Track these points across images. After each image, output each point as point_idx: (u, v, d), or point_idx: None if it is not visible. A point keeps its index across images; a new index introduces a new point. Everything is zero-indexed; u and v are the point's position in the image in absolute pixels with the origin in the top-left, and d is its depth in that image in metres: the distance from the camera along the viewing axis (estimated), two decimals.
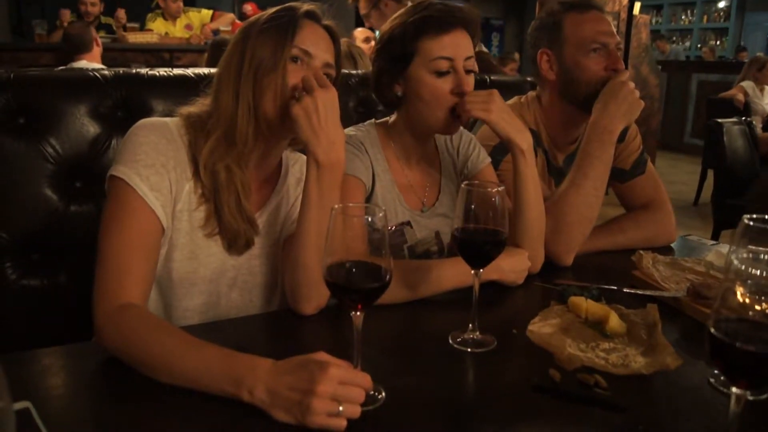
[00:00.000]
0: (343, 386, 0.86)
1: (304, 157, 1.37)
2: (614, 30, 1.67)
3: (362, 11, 3.60)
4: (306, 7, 1.25)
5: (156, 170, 1.15)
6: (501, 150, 1.66)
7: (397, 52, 1.44)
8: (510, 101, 1.81)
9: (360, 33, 4.46)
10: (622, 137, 1.86)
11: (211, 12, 6.21)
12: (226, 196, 1.20)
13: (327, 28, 1.27)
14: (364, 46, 4.06)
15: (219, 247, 1.25)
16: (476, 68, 1.45)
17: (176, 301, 1.24)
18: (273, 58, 1.18)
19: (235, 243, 1.24)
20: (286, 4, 1.26)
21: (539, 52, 1.73)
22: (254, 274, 1.31)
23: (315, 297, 1.24)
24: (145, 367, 0.98)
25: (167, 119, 1.24)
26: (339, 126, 1.19)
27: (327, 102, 1.16)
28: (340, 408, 0.85)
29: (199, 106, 1.26)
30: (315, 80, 1.16)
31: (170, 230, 1.19)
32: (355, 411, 0.87)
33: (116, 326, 1.03)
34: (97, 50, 4.29)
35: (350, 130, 1.53)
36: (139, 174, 1.13)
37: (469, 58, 1.43)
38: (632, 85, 1.60)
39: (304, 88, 1.16)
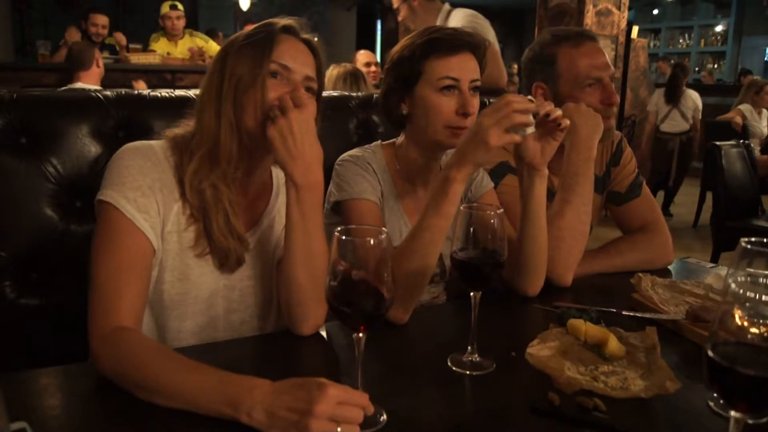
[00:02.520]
0: (341, 406, 0.86)
1: None
2: (608, 61, 1.67)
3: (394, 5, 3.67)
4: (284, 22, 1.25)
5: (143, 192, 1.15)
6: (497, 173, 1.68)
7: (405, 71, 1.47)
8: None
9: (362, 56, 4.49)
10: (617, 160, 1.87)
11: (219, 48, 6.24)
12: (214, 214, 1.19)
13: (306, 42, 1.26)
14: (364, 69, 4.11)
15: (210, 267, 1.24)
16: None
17: (169, 323, 1.23)
18: (252, 74, 1.18)
19: (227, 261, 1.23)
20: (264, 21, 1.26)
21: (534, 86, 1.73)
22: (248, 294, 1.30)
23: (311, 317, 1.24)
24: (141, 390, 0.97)
25: (153, 142, 1.24)
26: (315, 146, 1.18)
27: (302, 123, 1.14)
28: (338, 429, 0.85)
29: (185, 127, 1.26)
30: (291, 100, 1.15)
31: (161, 252, 1.18)
32: (354, 431, 0.87)
33: (111, 350, 1.02)
34: (96, 71, 4.31)
35: (356, 151, 1.55)
36: (125, 197, 1.13)
37: (474, 80, 1.45)
38: (582, 105, 1.60)
39: (279, 108, 1.15)
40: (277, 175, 1.40)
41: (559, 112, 1.31)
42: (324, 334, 1.28)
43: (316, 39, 1.29)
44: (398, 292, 1.28)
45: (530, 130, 1.30)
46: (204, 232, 1.21)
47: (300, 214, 1.18)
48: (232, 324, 1.30)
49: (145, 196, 1.15)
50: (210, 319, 1.27)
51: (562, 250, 1.54)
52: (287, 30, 1.24)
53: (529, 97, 1.30)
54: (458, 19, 3.48)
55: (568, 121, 1.33)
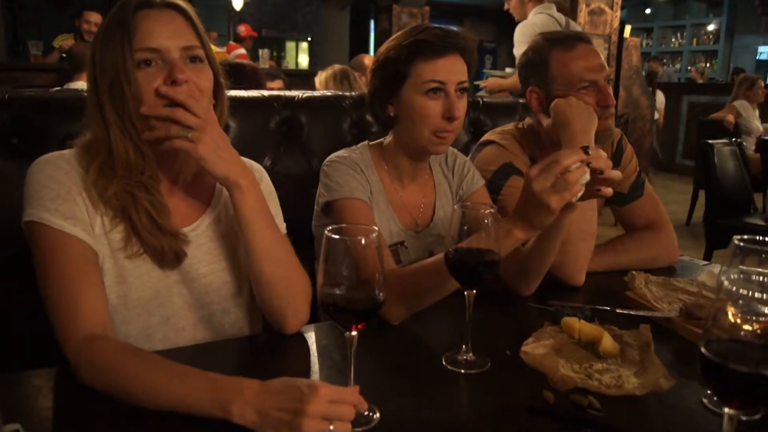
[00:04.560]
0: (333, 405, 0.86)
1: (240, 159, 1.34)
2: (603, 62, 1.64)
3: None
4: None
5: (63, 199, 1.10)
6: (501, 175, 1.66)
7: (391, 73, 1.46)
8: (507, 126, 1.82)
9: (370, 62, 4.44)
10: (618, 160, 1.85)
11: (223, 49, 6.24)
12: (136, 216, 1.13)
13: (169, 7, 1.13)
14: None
15: (149, 266, 1.18)
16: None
17: (114, 327, 1.15)
18: (119, 72, 1.08)
19: (164, 259, 1.17)
20: (120, 2, 1.12)
21: (528, 90, 1.71)
22: (210, 290, 1.25)
23: (291, 311, 1.22)
24: (128, 398, 0.95)
25: (65, 151, 1.17)
26: (231, 146, 1.15)
27: (220, 130, 1.11)
28: (331, 427, 0.85)
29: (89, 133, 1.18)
30: (194, 113, 1.06)
31: (100, 253, 1.13)
32: (346, 429, 0.87)
33: (89, 363, 1.00)
34: None
35: (344, 152, 1.54)
36: (47, 209, 1.08)
37: (461, 83, 1.44)
38: (571, 98, 1.59)
39: (192, 125, 1.06)
40: None
41: (611, 172, 1.18)
42: (315, 333, 1.28)
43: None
44: (408, 299, 1.29)
45: (585, 178, 1.16)
46: (133, 232, 1.15)
47: (253, 214, 1.14)
48: (195, 321, 1.25)
49: (66, 201, 1.10)
50: (163, 318, 1.21)
51: (570, 253, 1.53)
52: (143, 5, 1.11)
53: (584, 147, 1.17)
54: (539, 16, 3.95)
55: (617, 174, 1.20)
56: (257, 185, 1.17)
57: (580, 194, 1.16)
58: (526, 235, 1.22)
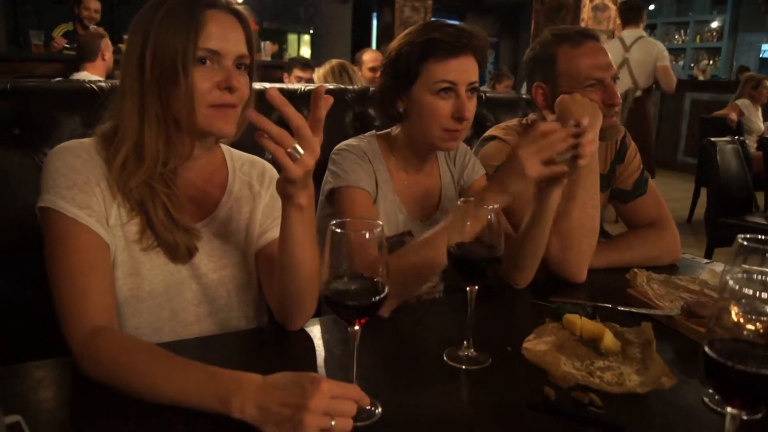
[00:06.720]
0: (335, 400, 0.86)
1: (254, 158, 1.34)
2: (611, 60, 1.63)
3: None
4: None
5: (79, 188, 1.10)
6: None
7: (402, 70, 1.45)
8: (511, 122, 1.82)
9: (368, 60, 4.38)
10: (621, 158, 1.86)
11: None
12: (152, 208, 1.14)
13: (235, 13, 1.15)
14: (369, 74, 4.10)
15: (163, 259, 1.18)
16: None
17: (124, 320, 1.17)
18: (176, 64, 1.08)
19: (177, 253, 1.18)
20: None
21: (534, 86, 1.70)
22: (218, 285, 1.25)
23: (305, 308, 1.21)
24: (129, 392, 0.95)
25: (84, 139, 1.18)
26: None
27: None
28: (333, 422, 0.85)
29: (111, 121, 1.18)
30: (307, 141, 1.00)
31: (113, 245, 1.13)
32: (347, 424, 0.87)
33: (93, 355, 1.00)
34: (101, 63, 4.30)
35: (353, 141, 1.55)
36: (63, 197, 1.09)
37: (472, 83, 1.43)
38: (576, 95, 1.59)
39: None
40: (231, 156, 1.33)
41: (585, 120, 1.25)
42: (318, 327, 1.28)
43: (242, 5, 1.17)
44: (394, 287, 1.28)
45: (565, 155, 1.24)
46: (148, 225, 1.15)
47: (303, 231, 1.09)
48: (203, 316, 1.25)
49: (83, 191, 1.10)
50: (172, 313, 1.21)
51: (573, 249, 1.53)
52: (213, 4, 1.13)
53: (572, 122, 1.24)
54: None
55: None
56: (313, 203, 1.11)
57: (559, 170, 1.24)
58: (498, 203, 1.22)
